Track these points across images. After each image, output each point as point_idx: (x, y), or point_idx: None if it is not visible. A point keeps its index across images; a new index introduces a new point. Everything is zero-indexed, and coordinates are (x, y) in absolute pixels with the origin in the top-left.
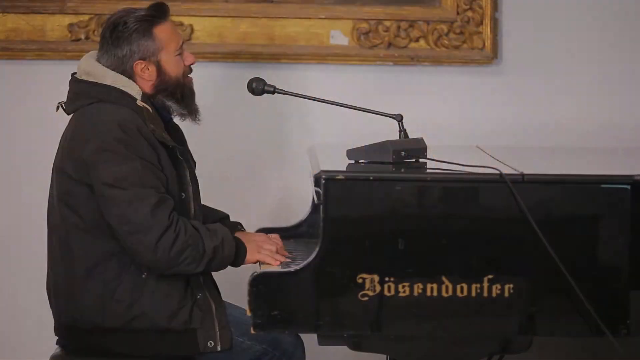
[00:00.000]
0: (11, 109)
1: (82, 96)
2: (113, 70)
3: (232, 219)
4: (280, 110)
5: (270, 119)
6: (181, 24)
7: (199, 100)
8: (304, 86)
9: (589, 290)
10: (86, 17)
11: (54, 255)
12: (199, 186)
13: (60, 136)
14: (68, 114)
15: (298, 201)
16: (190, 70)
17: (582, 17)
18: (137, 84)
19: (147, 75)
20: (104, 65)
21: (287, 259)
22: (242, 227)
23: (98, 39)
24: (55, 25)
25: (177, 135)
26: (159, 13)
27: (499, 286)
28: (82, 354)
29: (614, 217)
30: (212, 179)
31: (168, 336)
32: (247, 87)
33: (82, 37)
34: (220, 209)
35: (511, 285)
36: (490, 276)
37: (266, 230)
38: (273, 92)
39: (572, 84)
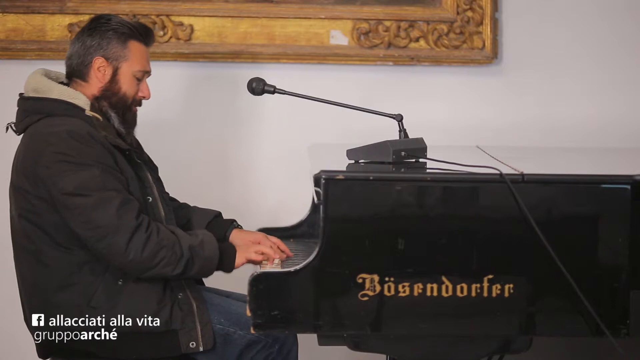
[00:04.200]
0: (11, 108)
1: (31, 112)
2: (71, 60)
3: (232, 219)
4: (280, 110)
5: (270, 119)
6: (181, 24)
7: (200, 100)
8: (304, 86)
9: (589, 290)
10: (86, 17)
11: (24, 275)
12: (164, 187)
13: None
14: (18, 134)
15: (298, 201)
16: (140, 104)
17: (582, 17)
18: (88, 82)
19: (100, 75)
20: (70, 54)
21: (285, 256)
22: (238, 223)
23: None
24: (55, 25)
25: (131, 139)
26: (143, 33)
27: (499, 286)
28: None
29: (614, 217)
30: (212, 179)
31: (149, 338)
32: (247, 87)
33: None
34: (220, 209)
35: (511, 285)
36: (490, 276)
37: (266, 230)
38: (273, 92)
39: (572, 84)
